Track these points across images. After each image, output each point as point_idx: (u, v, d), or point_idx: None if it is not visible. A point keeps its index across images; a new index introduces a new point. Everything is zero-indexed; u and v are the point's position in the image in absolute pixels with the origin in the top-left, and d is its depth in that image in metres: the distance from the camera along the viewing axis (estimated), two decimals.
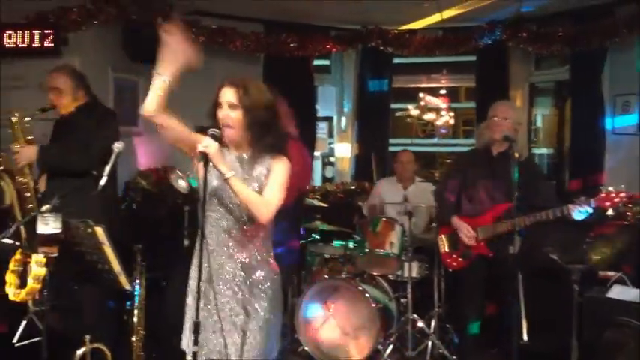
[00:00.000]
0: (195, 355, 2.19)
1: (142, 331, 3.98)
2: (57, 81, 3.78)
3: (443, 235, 3.95)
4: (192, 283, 2.53)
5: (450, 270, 3.95)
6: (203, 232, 2.28)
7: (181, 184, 2.22)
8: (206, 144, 2.31)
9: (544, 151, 7.38)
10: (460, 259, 3.78)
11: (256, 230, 2.50)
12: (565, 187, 5.94)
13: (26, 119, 3.74)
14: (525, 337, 3.00)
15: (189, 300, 2.53)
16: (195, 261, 2.47)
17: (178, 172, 2.20)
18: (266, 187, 2.46)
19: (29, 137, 3.74)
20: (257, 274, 2.52)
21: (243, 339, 2.43)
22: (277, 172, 2.50)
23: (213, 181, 2.44)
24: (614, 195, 3.38)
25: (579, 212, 3.37)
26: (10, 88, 5.34)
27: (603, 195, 3.42)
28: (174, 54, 2.36)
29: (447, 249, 3.92)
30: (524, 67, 6.52)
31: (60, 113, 3.82)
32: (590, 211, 3.40)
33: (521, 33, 5.86)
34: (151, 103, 2.37)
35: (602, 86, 5.61)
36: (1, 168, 3.69)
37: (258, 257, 2.53)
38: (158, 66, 2.36)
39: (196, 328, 2.19)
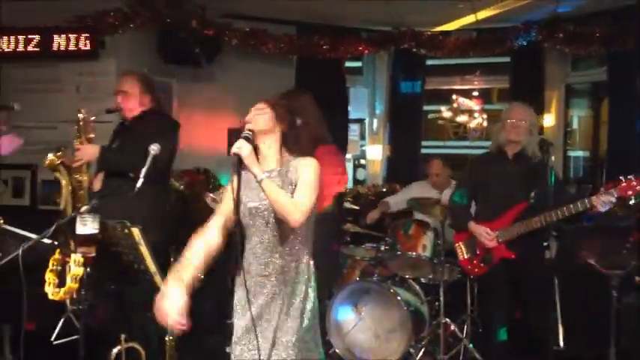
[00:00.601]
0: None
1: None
2: (125, 84, 3.81)
3: (460, 243, 3.88)
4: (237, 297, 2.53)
5: (472, 277, 3.87)
6: (243, 240, 2.27)
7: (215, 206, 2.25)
8: (239, 145, 2.32)
9: (580, 153, 7.25)
10: (481, 264, 3.71)
11: (293, 235, 2.46)
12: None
13: (92, 118, 3.80)
14: (562, 344, 2.93)
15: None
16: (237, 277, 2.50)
17: (212, 195, 2.24)
18: (296, 189, 2.41)
19: (91, 135, 3.79)
20: (292, 281, 2.47)
21: (274, 346, 2.41)
22: (306, 173, 2.44)
23: (249, 203, 2.43)
24: (635, 183, 3.28)
25: (603, 203, 3.28)
26: (48, 91, 5.49)
27: (624, 184, 3.31)
28: None
29: (465, 256, 3.84)
30: (560, 68, 6.42)
31: (124, 116, 3.86)
32: (614, 200, 3.31)
33: (558, 34, 5.77)
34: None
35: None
36: (59, 162, 3.75)
37: (293, 263, 2.48)
38: None
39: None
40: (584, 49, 5.71)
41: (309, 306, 2.47)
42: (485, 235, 3.64)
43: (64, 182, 3.76)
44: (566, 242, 3.58)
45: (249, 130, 2.41)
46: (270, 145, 2.49)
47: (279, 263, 2.43)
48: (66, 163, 3.76)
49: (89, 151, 3.70)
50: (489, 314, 3.75)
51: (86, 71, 5.43)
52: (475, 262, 3.74)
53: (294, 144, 2.52)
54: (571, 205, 3.37)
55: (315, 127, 3.28)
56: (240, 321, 2.46)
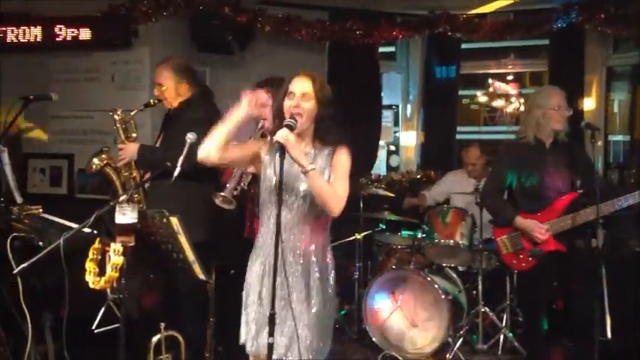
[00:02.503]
0: (271, 347, 2.17)
1: (212, 320, 4.05)
2: (160, 76, 3.70)
3: (503, 237, 3.70)
4: (249, 278, 2.58)
5: (517, 271, 3.75)
6: (279, 227, 2.23)
7: (226, 206, 2.22)
8: (285, 135, 2.26)
9: (620, 137, 7.03)
10: (529, 258, 3.58)
11: (315, 223, 2.48)
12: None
13: (132, 113, 3.75)
14: (609, 334, 2.85)
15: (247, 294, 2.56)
16: (253, 254, 2.57)
17: (223, 194, 2.24)
18: (334, 180, 2.43)
19: (133, 135, 3.75)
20: (313, 268, 2.49)
21: (292, 334, 2.40)
22: (341, 163, 2.46)
23: (273, 178, 2.41)
24: None
25: None
26: (83, 80, 5.53)
27: None
28: (240, 112, 2.53)
29: (510, 250, 3.69)
30: (601, 50, 6.21)
31: (168, 107, 3.79)
32: None
33: (599, 14, 5.56)
34: (208, 148, 2.51)
35: None
36: (105, 163, 3.76)
37: (315, 251, 2.50)
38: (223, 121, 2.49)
39: (271, 320, 2.17)
40: (627, 30, 5.50)
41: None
42: (537, 229, 3.49)
43: (114, 178, 3.75)
44: (615, 230, 3.45)
45: (294, 117, 2.36)
46: (302, 132, 2.47)
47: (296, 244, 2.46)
48: (111, 165, 3.76)
49: (130, 151, 3.65)
50: (535, 305, 3.64)
51: (120, 60, 5.44)
52: (522, 256, 3.59)
53: (326, 134, 2.49)
54: (630, 196, 3.26)
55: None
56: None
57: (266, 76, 3.32)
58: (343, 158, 2.47)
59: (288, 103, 2.43)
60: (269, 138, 2.54)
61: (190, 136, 2.75)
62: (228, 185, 2.25)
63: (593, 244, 3.03)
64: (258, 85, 3.14)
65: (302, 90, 2.41)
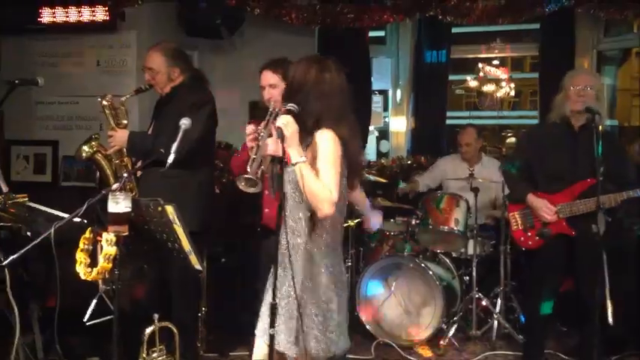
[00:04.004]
0: (272, 337, 2.11)
1: (204, 309, 3.99)
2: (150, 60, 3.57)
3: (515, 213, 3.68)
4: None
5: (524, 249, 3.72)
6: (280, 217, 2.13)
7: (252, 190, 2.06)
8: (285, 122, 2.13)
9: (608, 122, 7.04)
10: (537, 237, 3.55)
11: (317, 220, 2.29)
12: None
13: (122, 99, 3.62)
14: (610, 320, 2.82)
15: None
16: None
17: (246, 177, 2.05)
18: (319, 174, 2.17)
19: (124, 121, 3.61)
20: (315, 261, 2.33)
21: (297, 328, 2.28)
22: (322, 150, 2.20)
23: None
24: None
25: None
26: (67, 64, 5.38)
27: None
28: None
29: (520, 227, 3.65)
30: (592, 33, 6.18)
31: (158, 93, 3.67)
32: None
33: None
34: None
35: None
36: (95, 150, 3.64)
37: (318, 243, 2.33)
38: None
39: (273, 310, 2.11)
40: (620, 13, 5.46)
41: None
42: (545, 209, 3.47)
43: (105, 166, 3.64)
44: (618, 216, 3.42)
45: (293, 105, 2.23)
46: None
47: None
48: (102, 152, 3.64)
49: (121, 138, 3.52)
50: (538, 288, 3.61)
51: (106, 44, 5.29)
52: (530, 234, 3.57)
53: (306, 120, 2.26)
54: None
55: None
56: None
57: (255, 60, 3.23)
58: (322, 143, 2.21)
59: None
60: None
61: (185, 122, 2.67)
62: (249, 168, 2.10)
63: (594, 229, 2.98)
64: (264, 68, 3.04)
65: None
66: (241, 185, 2.12)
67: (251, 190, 2.12)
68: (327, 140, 2.21)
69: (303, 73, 2.30)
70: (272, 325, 2.11)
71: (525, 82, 10.29)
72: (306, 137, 2.24)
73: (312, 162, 2.20)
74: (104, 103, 3.60)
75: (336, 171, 2.20)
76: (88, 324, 2.72)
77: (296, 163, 2.15)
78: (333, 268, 2.33)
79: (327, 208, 2.16)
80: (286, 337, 2.27)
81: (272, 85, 2.95)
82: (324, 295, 2.30)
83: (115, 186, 2.38)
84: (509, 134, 9.17)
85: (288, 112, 2.19)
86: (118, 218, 2.34)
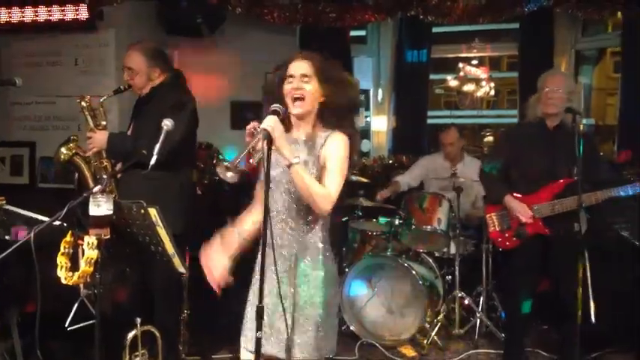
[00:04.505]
0: (259, 341, 2.08)
1: (186, 311, 3.95)
2: (129, 60, 3.51)
3: (492, 214, 3.73)
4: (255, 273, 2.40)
5: (501, 249, 3.76)
6: (266, 219, 2.10)
7: (229, 176, 2.03)
8: (271, 124, 2.09)
9: (585, 121, 7.13)
10: (514, 238, 3.60)
11: (313, 217, 2.32)
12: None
13: (101, 100, 3.56)
14: (593, 319, 2.85)
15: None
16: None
17: (226, 164, 2.02)
18: (326, 173, 2.24)
19: (103, 122, 3.55)
20: (307, 264, 2.32)
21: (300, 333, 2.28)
22: (335, 152, 2.25)
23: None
24: None
25: None
26: (44, 65, 5.29)
27: None
28: None
29: (497, 228, 3.70)
30: (570, 33, 6.25)
31: (138, 93, 3.61)
32: None
33: None
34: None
35: None
36: (73, 152, 3.57)
37: (311, 246, 2.34)
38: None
39: (259, 313, 2.08)
40: (598, 13, 5.52)
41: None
42: (522, 211, 3.50)
43: (84, 168, 3.57)
44: (600, 215, 3.45)
45: (278, 105, 2.21)
46: (305, 115, 2.32)
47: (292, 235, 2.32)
48: (80, 154, 3.57)
49: (100, 139, 3.46)
50: (517, 288, 3.64)
51: (84, 43, 5.21)
52: (507, 235, 3.61)
53: (332, 117, 2.30)
54: (621, 188, 3.27)
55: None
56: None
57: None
58: (337, 145, 2.26)
59: (288, 87, 2.29)
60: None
61: (167, 123, 2.61)
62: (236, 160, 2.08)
63: (576, 228, 3.00)
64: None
65: (301, 71, 2.27)
66: (219, 171, 2.11)
67: (228, 178, 2.10)
68: (341, 143, 2.28)
69: (332, 67, 2.33)
70: (259, 328, 2.08)
71: (503, 82, 10.41)
72: (319, 134, 2.30)
73: (319, 161, 2.27)
74: (83, 104, 3.54)
75: (343, 175, 2.28)
76: (69, 329, 2.66)
77: (290, 165, 2.14)
78: (330, 267, 2.37)
79: (326, 205, 2.21)
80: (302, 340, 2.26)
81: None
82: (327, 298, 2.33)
83: (96, 188, 2.33)
84: (488, 133, 9.25)
85: (274, 112, 2.17)
86: (100, 221, 2.29)
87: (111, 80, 4.93)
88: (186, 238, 3.11)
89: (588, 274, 2.88)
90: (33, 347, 2.70)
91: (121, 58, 3.89)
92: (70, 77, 5.21)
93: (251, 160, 2.16)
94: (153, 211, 2.33)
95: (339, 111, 2.31)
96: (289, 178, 2.24)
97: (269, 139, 2.06)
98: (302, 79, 2.26)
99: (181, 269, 2.47)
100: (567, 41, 6.26)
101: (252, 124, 2.18)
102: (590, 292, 2.88)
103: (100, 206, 2.26)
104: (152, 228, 2.37)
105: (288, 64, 2.32)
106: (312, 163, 2.28)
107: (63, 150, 3.56)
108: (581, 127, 3.18)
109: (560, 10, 5.75)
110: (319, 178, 2.26)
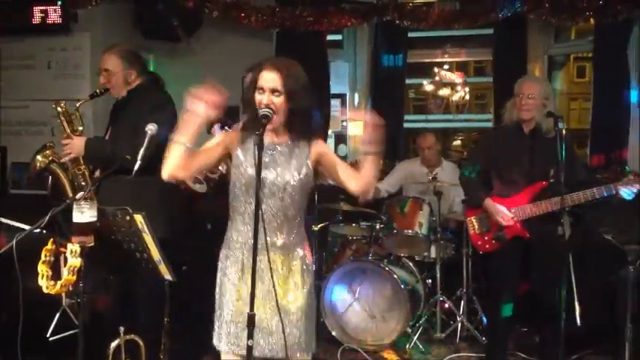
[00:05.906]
0: (250, 349, 2.05)
1: (167, 319, 3.88)
2: (106, 62, 3.46)
3: (472, 217, 3.77)
4: (230, 273, 2.39)
5: (481, 252, 3.79)
6: (257, 224, 2.08)
7: (197, 187, 2.02)
8: (266, 112, 2.21)
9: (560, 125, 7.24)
10: (493, 241, 3.63)
11: (292, 216, 2.36)
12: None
13: (77, 105, 3.49)
14: (579, 321, 2.88)
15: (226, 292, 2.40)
16: (227, 252, 2.40)
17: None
18: (339, 164, 2.41)
19: (79, 128, 3.47)
20: (291, 263, 2.38)
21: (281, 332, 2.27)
22: (329, 149, 2.47)
23: (248, 169, 2.29)
24: None
25: (628, 192, 3.24)
26: (18, 67, 5.18)
27: None
28: (196, 119, 2.25)
29: (477, 231, 3.74)
30: (543, 39, 6.34)
31: (115, 97, 3.55)
32: (636, 191, 3.26)
33: (544, 4, 5.66)
34: (172, 169, 2.25)
35: (628, 58, 5.42)
36: (49, 159, 3.48)
37: (291, 244, 2.38)
38: (178, 134, 2.24)
39: (251, 321, 2.05)
40: (571, 20, 5.62)
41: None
42: (502, 214, 3.54)
43: (62, 175, 3.48)
44: (584, 218, 3.50)
45: (267, 110, 2.23)
46: (279, 126, 2.36)
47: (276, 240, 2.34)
48: (57, 161, 3.48)
49: (77, 146, 3.38)
50: (497, 291, 3.67)
51: (58, 46, 5.11)
52: (487, 238, 3.65)
53: (301, 127, 2.36)
54: (595, 190, 3.32)
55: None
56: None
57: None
58: (325, 147, 2.45)
59: (259, 97, 2.29)
60: (240, 131, 2.38)
61: (151, 127, 2.58)
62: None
63: (560, 231, 3.04)
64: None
65: (270, 86, 2.26)
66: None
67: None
68: (325, 144, 2.48)
69: (302, 74, 2.35)
70: (250, 336, 2.05)
71: (471, 87, 10.52)
72: (297, 142, 2.37)
73: (319, 160, 2.38)
74: (59, 109, 3.46)
75: None
76: (51, 339, 2.59)
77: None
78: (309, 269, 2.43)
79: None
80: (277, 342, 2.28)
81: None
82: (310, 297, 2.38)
83: (79, 195, 2.27)
84: (459, 137, 9.35)
85: (264, 117, 2.16)
86: (83, 228, 2.24)
87: (86, 84, 4.86)
88: (172, 244, 3.05)
89: (572, 277, 2.91)
90: (15, 358, 2.62)
91: (96, 61, 3.85)
92: (43, 81, 5.11)
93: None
94: (139, 218, 2.28)
95: (306, 114, 2.36)
96: (283, 181, 2.28)
97: (261, 144, 2.06)
98: (272, 94, 2.27)
99: (167, 276, 2.42)
100: (540, 47, 6.35)
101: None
102: (575, 295, 2.90)
103: (84, 213, 2.21)
104: (138, 235, 2.33)
105: (258, 72, 2.32)
106: (295, 171, 2.33)
107: (39, 158, 3.47)
108: (563, 131, 3.21)
109: (534, 17, 5.85)
110: (312, 180, 2.37)
